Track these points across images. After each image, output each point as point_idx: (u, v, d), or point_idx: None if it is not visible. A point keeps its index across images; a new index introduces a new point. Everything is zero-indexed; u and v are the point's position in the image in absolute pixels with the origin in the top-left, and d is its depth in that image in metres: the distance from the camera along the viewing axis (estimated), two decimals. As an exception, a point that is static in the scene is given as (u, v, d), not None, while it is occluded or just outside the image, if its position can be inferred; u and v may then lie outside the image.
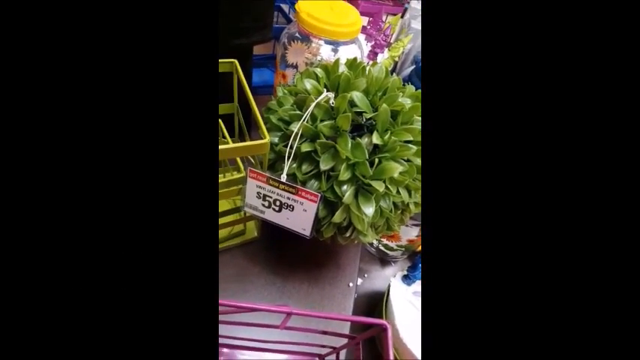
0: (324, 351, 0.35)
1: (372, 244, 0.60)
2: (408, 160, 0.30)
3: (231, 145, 0.27)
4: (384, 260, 0.63)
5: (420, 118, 0.31)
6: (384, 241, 0.56)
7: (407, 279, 0.53)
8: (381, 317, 0.38)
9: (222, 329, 0.38)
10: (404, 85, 0.34)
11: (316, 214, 0.30)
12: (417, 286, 0.52)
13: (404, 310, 0.49)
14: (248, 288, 0.43)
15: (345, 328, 0.41)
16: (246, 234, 0.47)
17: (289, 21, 0.58)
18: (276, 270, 0.46)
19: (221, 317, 0.26)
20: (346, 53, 0.46)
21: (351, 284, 0.49)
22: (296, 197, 0.30)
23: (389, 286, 0.53)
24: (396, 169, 0.28)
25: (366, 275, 0.61)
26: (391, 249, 0.57)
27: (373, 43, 0.58)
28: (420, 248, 0.57)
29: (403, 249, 0.57)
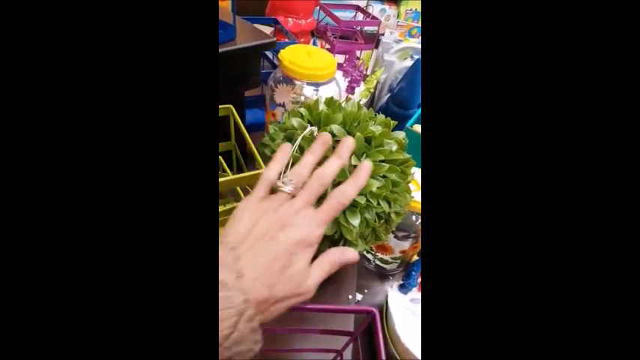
0: (328, 356, 0.38)
1: (369, 261, 0.64)
2: (383, 177, 0.35)
3: (233, 176, 0.33)
4: (382, 275, 0.66)
5: (389, 141, 0.36)
6: (380, 255, 0.60)
7: (403, 288, 0.56)
8: (382, 326, 0.41)
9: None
10: (376, 115, 0.40)
11: (311, 230, 0.35)
12: (413, 293, 0.56)
13: (403, 317, 0.52)
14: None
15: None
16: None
17: (274, 66, 0.66)
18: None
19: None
20: (326, 91, 0.53)
21: (350, 297, 0.52)
22: (292, 217, 0.35)
23: (387, 296, 0.57)
24: (374, 184, 0.33)
25: (366, 291, 0.64)
26: (387, 262, 0.61)
27: (350, 78, 0.65)
28: (413, 259, 0.61)
29: (398, 261, 0.61)
